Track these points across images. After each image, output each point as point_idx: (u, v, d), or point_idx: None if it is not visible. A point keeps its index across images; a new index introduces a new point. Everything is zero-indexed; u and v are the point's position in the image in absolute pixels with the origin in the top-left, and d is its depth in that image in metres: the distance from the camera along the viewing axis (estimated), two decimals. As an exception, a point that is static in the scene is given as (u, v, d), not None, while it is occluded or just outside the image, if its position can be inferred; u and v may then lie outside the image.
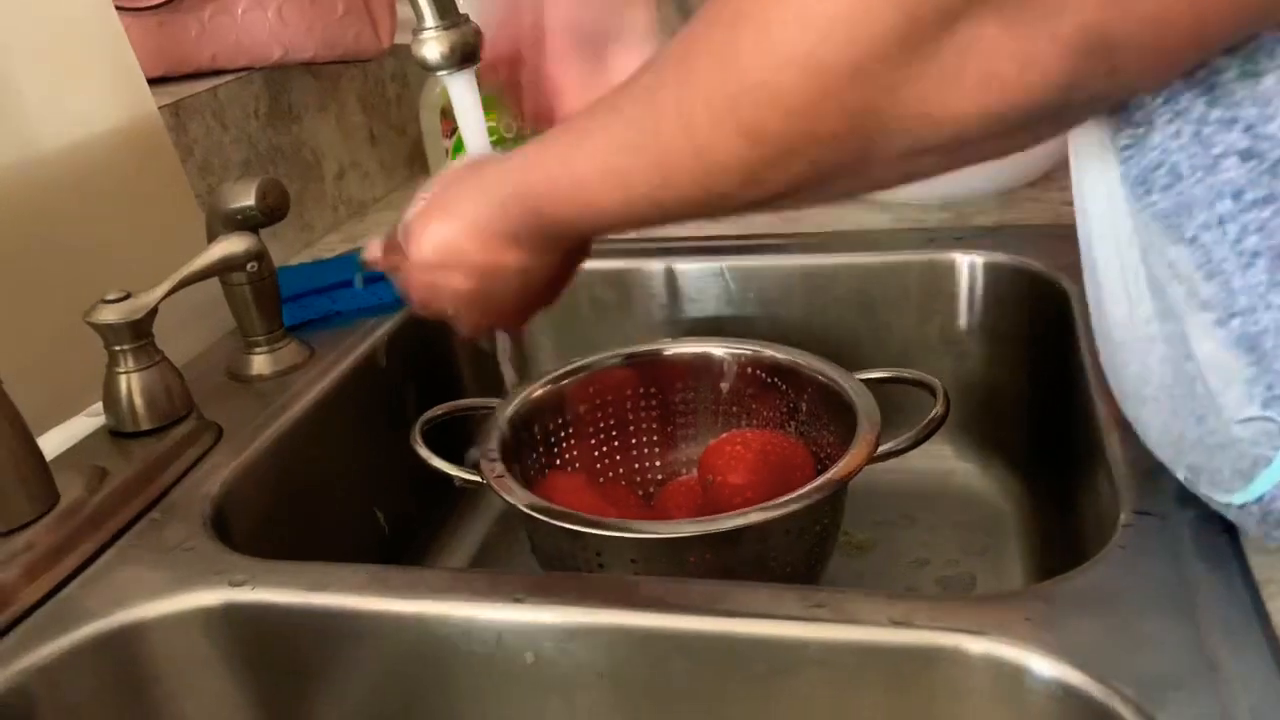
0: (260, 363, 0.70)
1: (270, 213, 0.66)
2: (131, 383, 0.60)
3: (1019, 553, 0.71)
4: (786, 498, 0.53)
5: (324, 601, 0.48)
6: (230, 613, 0.49)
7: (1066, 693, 0.39)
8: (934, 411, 0.60)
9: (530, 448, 0.66)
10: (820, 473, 0.56)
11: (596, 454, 0.70)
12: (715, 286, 0.81)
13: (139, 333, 0.59)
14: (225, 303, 0.70)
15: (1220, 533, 0.45)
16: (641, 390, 0.71)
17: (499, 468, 0.58)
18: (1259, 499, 0.39)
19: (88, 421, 0.62)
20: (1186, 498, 0.47)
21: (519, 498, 0.56)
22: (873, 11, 0.31)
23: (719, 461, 0.64)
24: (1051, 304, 0.71)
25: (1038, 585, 0.45)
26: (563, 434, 0.69)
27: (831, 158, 0.35)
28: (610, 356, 0.70)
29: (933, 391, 0.61)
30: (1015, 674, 0.40)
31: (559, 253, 0.49)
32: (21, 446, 0.52)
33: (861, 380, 0.62)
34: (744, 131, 0.35)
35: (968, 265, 0.77)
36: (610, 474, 0.71)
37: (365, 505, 0.67)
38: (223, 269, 0.64)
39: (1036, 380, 0.75)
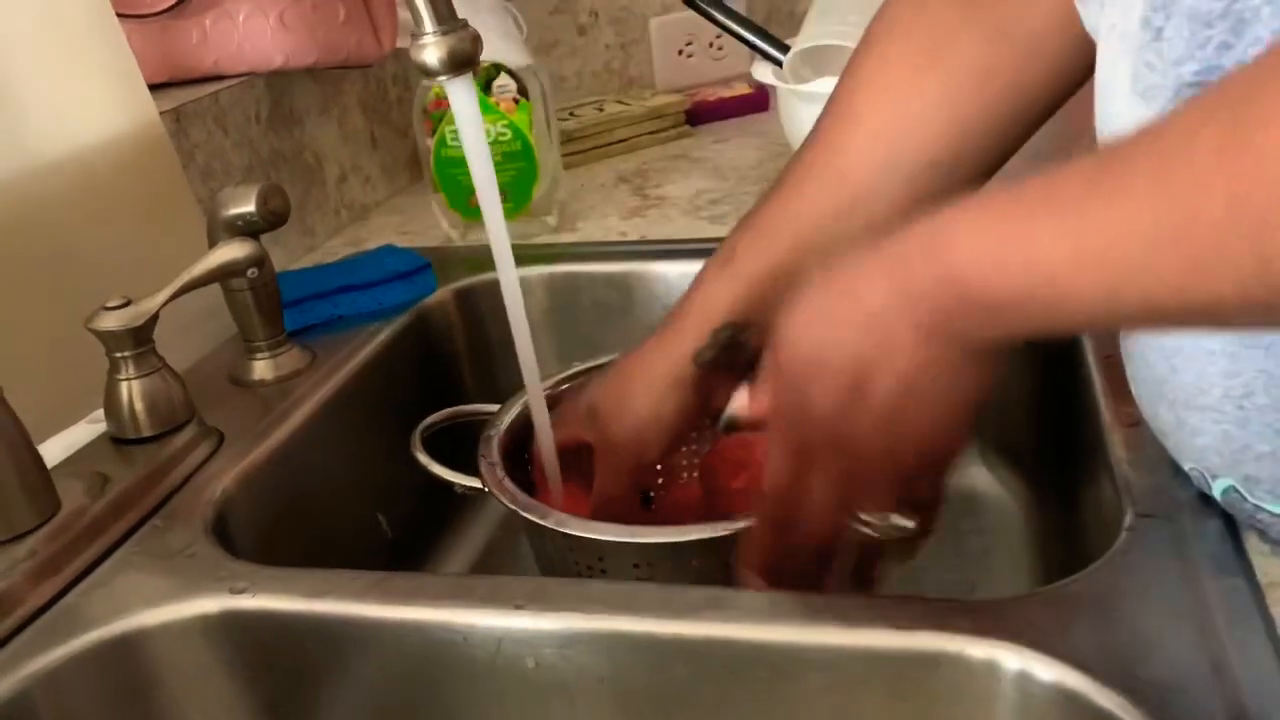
0: (262, 368, 0.70)
1: (271, 218, 0.66)
2: (132, 389, 0.60)
3: (1022, 556, 0.70)
4: None
5: (325, 608, 0.48)
6: (231, 619, 0.49)
7: (1069, 697, 0.39)
8: None
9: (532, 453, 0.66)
10: None
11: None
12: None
13: (140, 339, 0.59)
14: (227, 308, 0.69)
15: (1224, 536, 0.45)
16: None
17: (500, 473, 0.58)
18: None
19: (89, 428, 0.62)
20: (1190, 501, 0.47)
21: (520, 504, 0.55)
22: None
23: (720, 466, 0.64)
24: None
25: (1041, 589, 0.45)
26: None
27: None
28: (610, 361, 0.70)
29: None
30: (1018, 678, 0.40)
31: (975, 354, 0.38)
32: (23, 454, 0.52)
33: None
34: None
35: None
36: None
37: (367, 510, 0.67)
38: (224, 274, 0.64)
39: (1040, 382, 0.74)
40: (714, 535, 0.52)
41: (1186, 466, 0.46)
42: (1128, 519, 0.47)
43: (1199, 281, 0.30)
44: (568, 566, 0.56)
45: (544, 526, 0.54)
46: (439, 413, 0.66)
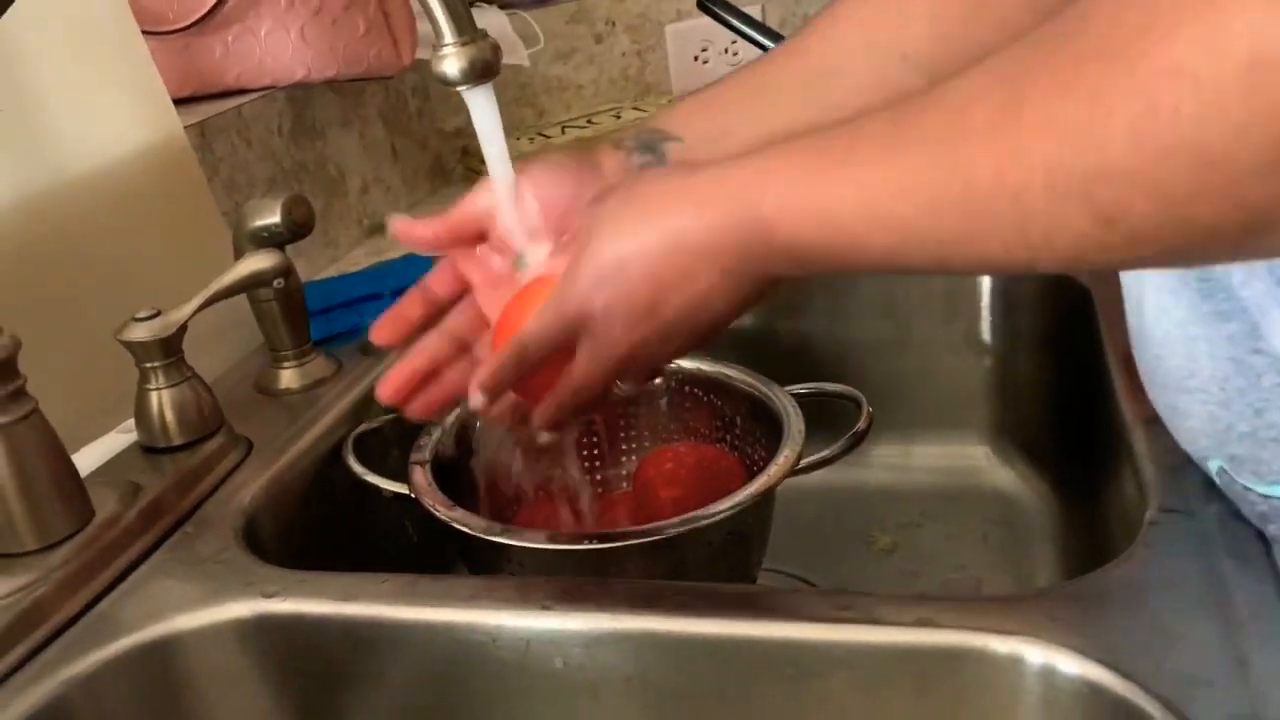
0: (288, 377, 0.71)
1: (296, 229, 0.67)
2: (162, 399, 0.61)
3: (1045, 551, 0.70)
4: (659, 524, 0.53)
5: (355, 611, 0.49)
6: (263, 623, 0.50)
7: (1094, 691, 0.39)
8: (858, 425, 0.58)
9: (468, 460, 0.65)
10: None
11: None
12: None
13: (169, 349, 0.60)
14: (253, 319, 0.70)
15: (1248, 529, 0.45)
16: None
17: (428, 478, 0.58)
18: None
19: (120, 438, 0.63)
20: (1214, 495, 0.47)
21: (443, 507, 0.56)
22: None
23: (652, 475, 0.64)
24: (1074, 303, 0.70)
25: (1065, 584, 0.45)
26: None
27: (1201, 244, 0.30)
28: None
29: (857, 404, 0.60)
30: (1042, 673, 0.40)
31: (765, 282, 0.42)
32: (57, 464, 0.53)
33: (791, 392, 0.61)
34: (1097, 213, 0.30)
35: (989, 266, 0.77)
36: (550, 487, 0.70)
37: (394, 514, 0.68)
38: (250, 285, 0.65)
39: (1061, 379, 0.74)
40: (640, 542, 0.52)
41: (1188, 450, 0.47)
42: (1150, 514, 0.47)
43: (972, 241, 0.33)
44: (498, 568, 0.56)
45: (470, 534, 0.54)
46: (374, 420, 0.66)
